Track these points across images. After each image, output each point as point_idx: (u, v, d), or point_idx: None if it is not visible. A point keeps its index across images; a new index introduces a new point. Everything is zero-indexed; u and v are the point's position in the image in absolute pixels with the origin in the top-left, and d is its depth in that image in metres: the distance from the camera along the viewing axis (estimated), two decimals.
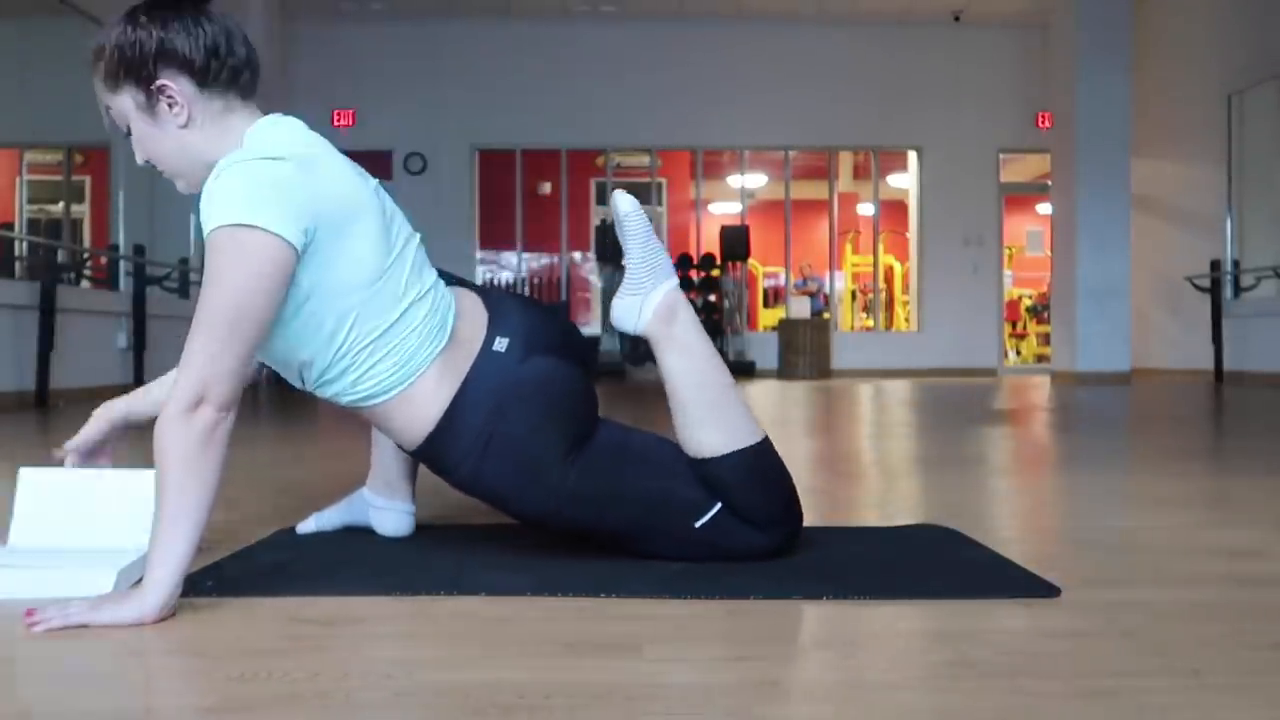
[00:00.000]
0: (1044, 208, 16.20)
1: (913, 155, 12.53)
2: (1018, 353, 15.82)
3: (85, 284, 7.94)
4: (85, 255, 8.31)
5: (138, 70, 1.41)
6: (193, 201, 1.48)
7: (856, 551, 1.71)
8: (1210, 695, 1.03)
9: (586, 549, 1.70)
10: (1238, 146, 9.95)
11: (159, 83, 1.41)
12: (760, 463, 1.59)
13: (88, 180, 9.10)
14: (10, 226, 8.16)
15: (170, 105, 1.42)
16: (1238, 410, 5.59)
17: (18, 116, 7.61)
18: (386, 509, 1.80)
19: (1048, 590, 1.43)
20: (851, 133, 12.35)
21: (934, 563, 1.63)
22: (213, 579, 1.50)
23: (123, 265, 7.96)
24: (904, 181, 13.42)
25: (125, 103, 1.44)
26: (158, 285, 8.07)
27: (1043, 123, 11.74)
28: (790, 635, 1.26)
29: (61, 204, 8.77)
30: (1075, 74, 9.71)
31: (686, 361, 1.61)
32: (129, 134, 1.47)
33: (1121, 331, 9.70)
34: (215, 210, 1.34)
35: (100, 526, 1.61)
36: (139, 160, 1.50)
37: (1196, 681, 1.07)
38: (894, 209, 14.53)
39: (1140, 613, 1.34)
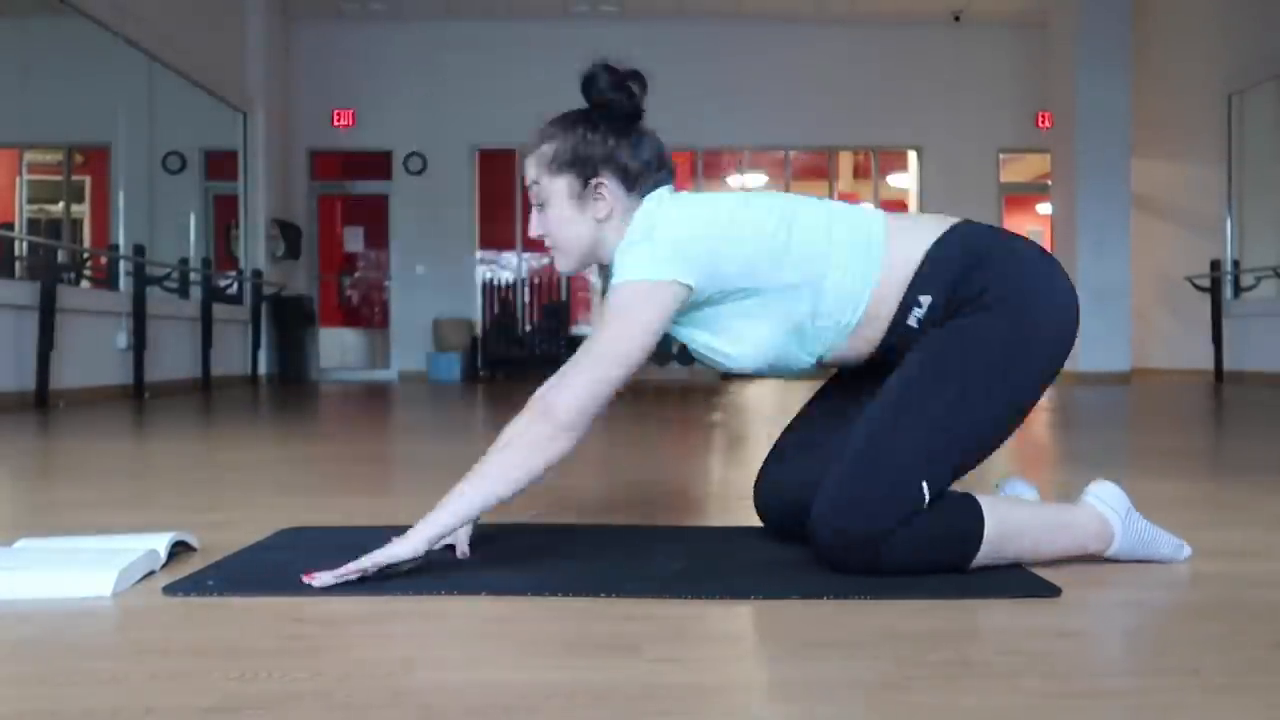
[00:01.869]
0: (1044, 208, 16.19)
1: (913, 155, 12.53)
2: None
3: (85, 284, 7.94)
4: (85, 255, 8.31)
5: (583, 164, 1.61)
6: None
7: None
8: (1210, 695, 1.03)
9: (586, 549, 1.70)
10: (1238, 146, 9.95)
11: (597, 180, 1.61)
12: None
13: (88, 180, 9.10)
14: (10, 226, 8.16)
15: (598, 200, 1.62)
16: (1238, 410, 5.59)
17: (18, 116, 7.61)
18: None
19: (1048, 590, 1.43)
20: (851, 133, 12.35)
21: None
22: (213, 579, 1.50)
23: (123, 265, 7.96)
24: (904, 181, 13.41)
25: (560, 186, 1.62)
26: (158, 285, 8.07)
27: (1043, 123, 11.74)
28: (790, 635, 1.26)
29: (61, 204, 8.77)
30: (1075, 74, 9.71)
31: None
32: (540, 207, 1.64)
33: (1121, 331, 9.70)
34: None
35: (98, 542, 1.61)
36: (533, 233, 1.67)
37: (1196, 681, 1.07)
38: (894, 209, 14.54)
39: (1140, 613, 1.34)
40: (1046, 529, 1.56)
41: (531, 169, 1.63)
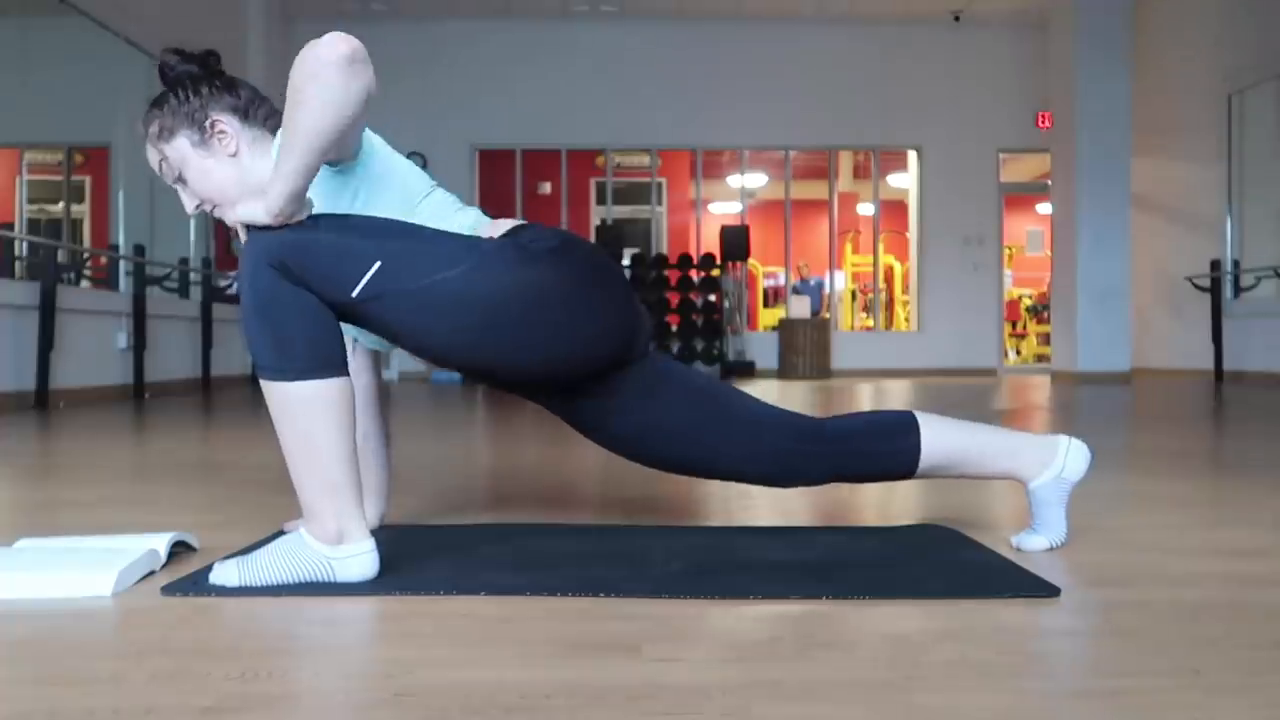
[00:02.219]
0: (1044, 207, 16.21)
1: (913, 155, 12.53)
2: (1018, 352, 15.83)
3: (85, 284, 7.94)
4: (85, 255, 8.31)
5: (191, 117, 1.66)
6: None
7: (856, 551, 1.71)
8: (1210, 695, 1.03)
9: (586, 549, 1.70)
10: (1238, 146, 9.95)
11: (211, 120, 1.66)
12: None
13: (88, 180, 9.09)
14: (10, 226, 8.16)
15: (222, 137, 1.66)
16: (1238, 410, 5.59)
17: (18, 116, 7.60)
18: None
19: (1048, 590, 1.43)
20: (851, 133, 12.35)
21: (934, 563, 1.63)
22: (212, 582, 1.49)
23: (123, 265, 7.96)
24: (904, 181, 13.42)
25: (181, 145, 1.66)
26: (158, 285, 8.07)
27: (1043, 123, 11.74)
28: (790, 635, 1.26)
29: (61, 204, 8.77)
30: (1075, 74, 9.71)
31: None
32: (180, 181, 1.69)
33: (1121, 331, 9.70)
34: None
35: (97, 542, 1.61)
36: (189, 208, 1.71)
37: (1196, 681, 1.08)
38: (894, 209, 14.54)
39: (1140, 613, 1.34)
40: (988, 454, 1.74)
41: (152, 153, 1.69)
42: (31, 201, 8.67)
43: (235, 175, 1.67)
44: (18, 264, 7.46)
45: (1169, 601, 1.41)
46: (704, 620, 1.32)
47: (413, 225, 1.57)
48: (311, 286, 1.47)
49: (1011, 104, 12.20)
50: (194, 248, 9.44)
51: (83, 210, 9.10)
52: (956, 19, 11.97)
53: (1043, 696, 1.03)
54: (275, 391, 1.48)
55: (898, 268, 14.87)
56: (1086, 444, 1.75)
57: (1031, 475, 1.72)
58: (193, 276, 8.84)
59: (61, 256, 7.19)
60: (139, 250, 7.65)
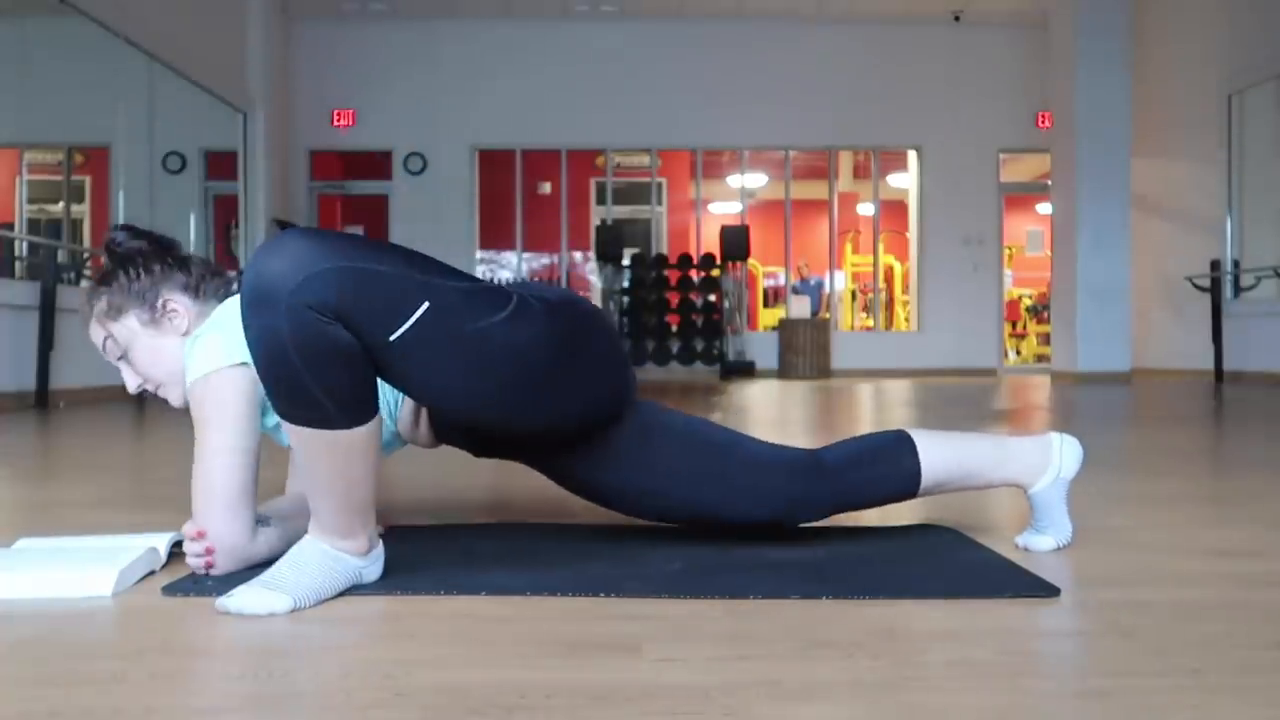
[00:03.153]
0: (1044, 207, 16.20)
1: (913, 155, 12.53)
2: (1018, 352, 15.82)
3: (85, 284, 7.94)
4: (85, 255, 8.31)
5: (141, 295, 1.64)
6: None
7: (856, 551, 1.71)
8: (1210, 695, 1.03)
9: (586, 549, 1.70)
10: (1238, 146, 9.95)
11: (163, 299, 1.64)
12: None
13: (88, 180, 9.10)
14: (10, 226, 8.16)
15: (173, 316, 1.65)
16: (1237, 410, 5.59)
17: (18, 116, 7.61)
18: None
19: (1048, 590, 1.43)
20: (851, 133, 12.35)
21: (934, 563, 1.63)
22: (213, 579, 1.49)
23: None
24: (904, 181, 13.42)
25: (130, 324, 1.64)
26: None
27: (1043, 123, 11.75)
28: (790, 635, 1.26)
29: (61, 204, 8.77)
30: (1075, 74, 9.71)
31: None
32: (124, 360, 1.66)
33: (1121, 331, 9.70)
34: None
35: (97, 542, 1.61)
36: (131, 388, 1.68)
37: (1196, 681, 1.07)
38: (894, 209, 14.53)
39: (1140, 613, 1.34)
40: (985, 464, 1.74)
41: (96, 330, 1.65)
42: (31, 201, 8.67)
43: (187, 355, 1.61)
44: (18, 264, 7.46)
45: (1169, 601, 1.41)
46: (704, 620, 1.32)
47: (448, 266, 1.44)
48: (350, 324, 1.30)
49: (1011, 104, 12.21)
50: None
51: (83, 210, 9.10)
52: (956, 19, 11.97)
53: (1043, 696, 1.03)
54: (305, 434, 1.34)
55: (898, 268, 14.87)
56: (1077, 438, 1.76)
57: (1032, 480, 1.72)
58: None
59: (61, 256, 7.20)
60: None
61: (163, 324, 1.64)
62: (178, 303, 1.65)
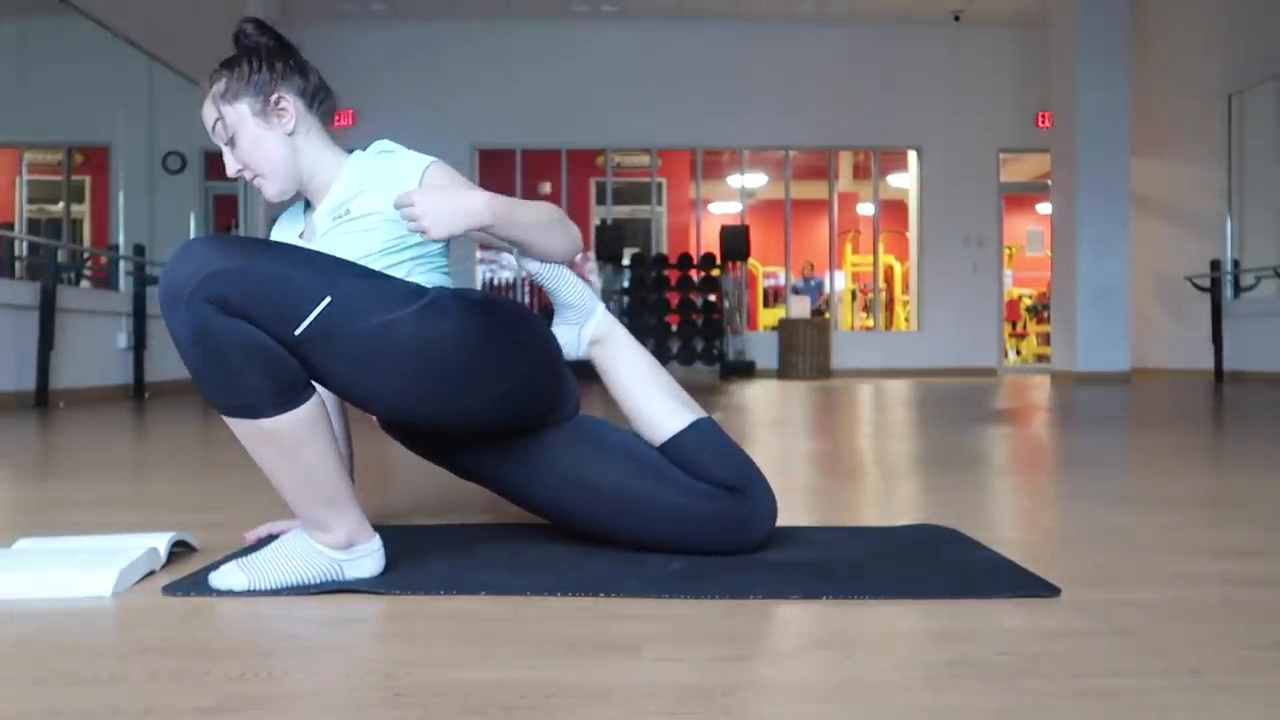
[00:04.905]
0: (1044, 207, 16.20)
1: (913, 155, 12.53)
2: (1018, 352, 15.82)
3: (85, 284, 7.94)
4: (85, 255, 8.31)
5: (259, 85, 1.68)
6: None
7: (856, 551, 1.71)
8: (1210, 695, 1.03)
9: (586, 549, 1.70)
10: (1238, 146, 9.95)
11: (277, 95, 1.68)
12: (714, 429, 1.73)
13: (88, 180, 9.10)
14: (10, 226, 8.16)
15: (282, 114, 1.68)
16: (1237, 410, 5.59)
17: (18, 116, 7.61)
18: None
19: (1048, 590, 1.43)
20: (851, 133, 12.35)
21: (934, 563, 1.63)
22: (213, 579, 1.49)
23: (123, 265, 7.96)
24: (904, 181, 13.42)
25: (242, 109, 1.66)
26: (158, 285, 8.07)
27: (1043, 123, 11.74)
28: (790, 635, 1.26)
29: (61, 204, 8.77)
30: (1075, 74, 9.71)
31: (634, 365, 1.76)
32: (230, 144, 1.68)
33: (1121, 331, 9.70)
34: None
35: (98, 541, 1.61)
36: (231, 171, 1.70)
37: (1196, 681, 1.08)
38: (894, 209, 14.53)
39: (1140, 613, 1.34)
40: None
41: (209, 110, 1.67)
42: (31, 201, 8.67)
43: (284, 152, 1.68)
44: (18, 264, 7.46)
45: (1169, 601, 1.41)
46: (704, 620, 1.32)
47: (360, 265, 1.51)
48: (253, 319, 1.38)
49: (1011, 104, 12.21)
50: None
51: (83, 210, 9.10)
52: (956, 19, 11.97)
53: (1043, 696, 1.03)
54: (244, 427, 1.40)
55: (898, 268, 14.87)
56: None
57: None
58: None
59: (61, 256, 7.20)
60: (139, 250, 7.65)
61: (271, 118, 1.67)
62: (289, 102, 1.69)
